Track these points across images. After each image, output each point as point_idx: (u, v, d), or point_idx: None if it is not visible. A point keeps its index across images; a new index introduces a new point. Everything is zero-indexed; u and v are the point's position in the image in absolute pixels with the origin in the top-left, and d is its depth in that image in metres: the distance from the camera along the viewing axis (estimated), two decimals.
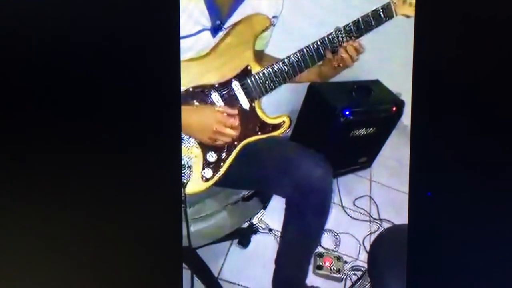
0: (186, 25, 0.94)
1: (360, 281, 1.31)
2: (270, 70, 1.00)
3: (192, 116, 0.98)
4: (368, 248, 1.63)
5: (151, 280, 0.79)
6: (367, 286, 1.28)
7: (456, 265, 0.79)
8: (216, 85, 1.00)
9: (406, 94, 1.94)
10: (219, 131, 0.99)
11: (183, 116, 0.88)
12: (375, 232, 1.77)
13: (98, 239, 0.74)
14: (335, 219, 1.76)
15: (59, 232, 0.73)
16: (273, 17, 1.05)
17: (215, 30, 0.99)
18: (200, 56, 0.98)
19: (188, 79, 0.98)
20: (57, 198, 0.72)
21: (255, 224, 1.54)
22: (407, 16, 0.94)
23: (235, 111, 1.01)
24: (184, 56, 0.94)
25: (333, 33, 0.97)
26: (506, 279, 0.77)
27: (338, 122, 1.72)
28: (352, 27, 0.96)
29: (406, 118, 1.96)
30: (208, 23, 0.97)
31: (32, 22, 0.67)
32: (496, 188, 0.76)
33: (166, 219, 0.79)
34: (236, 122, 1.00)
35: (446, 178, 0.78)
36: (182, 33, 0.92)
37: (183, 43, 0.93)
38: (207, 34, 0.98)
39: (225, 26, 1.00)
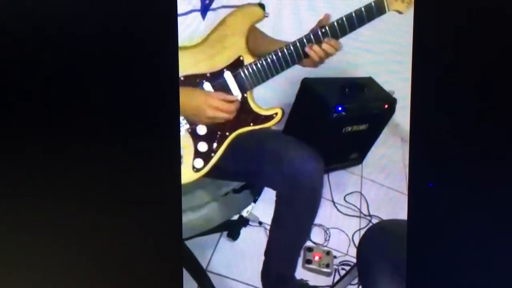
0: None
1: (348, 275, 1.32)
2: (263, 62, 1.00)
3: (185, 99, 0.97)
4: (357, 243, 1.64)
5: (151, 272, 0.79)
6: (355, 280, 1.29)
7: (457, 259, 0.80)
8: (208, 75, 1.00)
9: (399, 91, 1.96)
10: (214, 116, 0.99)
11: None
12: (364, 228, 1.78)
13: (96, 230, 0.74)
14: (325, 214, 1.77)
15: (56, 224, 0.72)
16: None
17: (204, 10, 0.98)
18: (192, 45, 0.98)
19: (180, 68, 0.98)
20: (54, 192, 0.72)
21: (245, 217, 1.55)
22: (399, 12, 0.95)
23: (230, 97, 1.01)
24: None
25: (326, 27, 0.97)
26: (508, 272, 0.77)
27: (331, 118, 1.72)
28: (345, 21, 0.97)
29: (397, 116, 1.97)
30: (197, 4, 0.97)
31: (24, 9, 0.67)
32: (497, 183, 0.76)
33: (166, 211, 0.79)
34: (231, 107, 1.00)
35: (445, 171, 0.79)
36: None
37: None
38: (198, 16, 0.98)
39: (213, 6, 0.99)
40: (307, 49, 0.98)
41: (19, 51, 0.68)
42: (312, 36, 0.98)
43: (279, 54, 0.99)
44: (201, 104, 0.98)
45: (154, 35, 0.73)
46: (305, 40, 0.98)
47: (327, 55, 0.99)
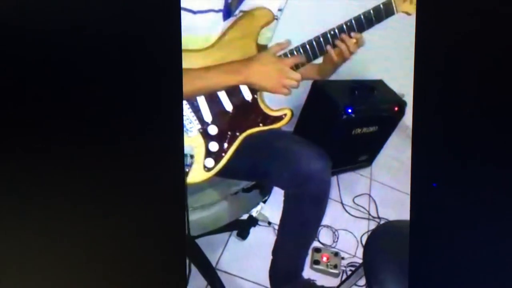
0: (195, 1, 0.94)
1: (354, 275, 1.32)
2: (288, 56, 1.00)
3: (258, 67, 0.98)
4: None
5: (154, 270, 0.80)
6: (362, 281, 1.29)
7: (460, 260, 0.80)
8: None
9: (409, 94, 1.96)
10: (287, 84, 0.99)
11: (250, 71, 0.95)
12: None
13: (100, 229, 0.75)
14: (334, 215, 1.78)
15: (59, 223, 0.73)
16: (278, 10, 1.07)
17: (227, 13, 1.00)
18: (203, 48, 1.00)
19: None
20: (57, 191, 0.72)
21: (254, 217, 1.56)
22: (408, 14, 0.96)
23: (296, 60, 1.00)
24: (187, 33, 0.95)
25: (335, 28, 0.98)
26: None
27: (340, 120, 1.74)
28: (353, 23, 0.98)
29: (407, 119, 1.98)
30: (217, 4, 0.97)
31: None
32: (501, 183, 0.76)
33: (169, 209, 0.80)
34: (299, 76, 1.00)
35: (449, 171, 0.79)
36: (192, 8, 0.93)
37: (190, 18, 0.93)
38: (216, 16, 0.99)
39: (236, 12, 1.01)
40: (337, 41, 0.98)
41: (17, 49, 0.68)
42: (321, 38, 0.99)
43: (288, 55, 1.00)
44: (275, 73, 0.98)
45: (156, 33, 0.73)
46: (314, 43, 0.99)
47: (354, 47, 1.00)
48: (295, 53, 1.00)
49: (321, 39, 0.99)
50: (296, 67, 1.01)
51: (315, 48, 0.99)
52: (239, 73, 0.98)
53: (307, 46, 0.99)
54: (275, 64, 0.98)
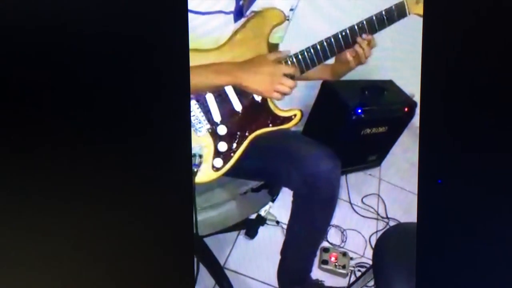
0: (204, 2, 0.94)
1: (363, 277, 1.32)
2: (283, 63, 1.01)
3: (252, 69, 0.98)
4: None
5: (162, 269, 0.80)
6: (370, 282, 1.29)
7: (467, 261, 0.79)
8: None
9: (419, 95, 1.94)
10: (281, 90, 0.98)
11: (242, 73, 0.94)
12: (382, 230, 1.78)
13: (106, 229, 0.75)
14: (342, 215, 1.78)
15: (65, 223, 0.74)
16: (290, 9, 1.07)
17: (238, 14, 0.99)
18: (214, 48, 1.00)
19: None
20: (63, 190, 0.73)
21: (263, 216, 1.56)
22: (420, 15, 0.95)
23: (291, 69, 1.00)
24: (196, 34, 0.95)
25: (347, 29, 0.98)
26: None
27: (350, 120, 1.73)
28: (365, 25, 0.97)
29: (418, 120, 1.96)
30: (228, 6, 0.97)
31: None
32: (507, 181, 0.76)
33: (177, 209, 0.80)
34: (293, 83, 0.99)
35: (454, 168, 0.78)
36: (199, 9, 0.93)
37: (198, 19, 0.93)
38: (226, 18, 0.98)
39: (247, 13, 1.01)
40: (358, 39, 0.98)
41: (20, 49, 0.69)
42: (332, 40, 0.99)
43: (300, 57, 1.00)
44: (268, 77, 0.97)
45: (164, 35, 0.73)
46: (325, 44, 0.99)
47: (369, 50, 0.99)
48: (305, 53, 0.99)
49: (332, 40, 0.98)
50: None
51: (326, 49, 0.99)
52: (229, 74, 0.97)
53: (318, 48, 0.99)
54: (269, 68, 0.97)
